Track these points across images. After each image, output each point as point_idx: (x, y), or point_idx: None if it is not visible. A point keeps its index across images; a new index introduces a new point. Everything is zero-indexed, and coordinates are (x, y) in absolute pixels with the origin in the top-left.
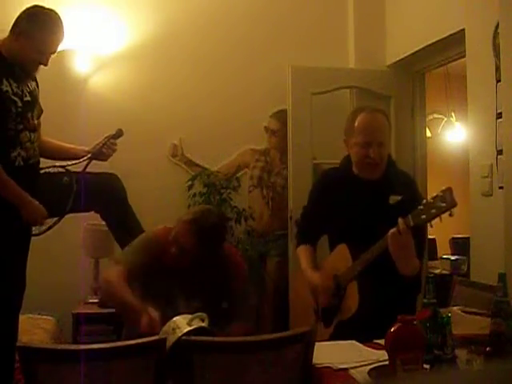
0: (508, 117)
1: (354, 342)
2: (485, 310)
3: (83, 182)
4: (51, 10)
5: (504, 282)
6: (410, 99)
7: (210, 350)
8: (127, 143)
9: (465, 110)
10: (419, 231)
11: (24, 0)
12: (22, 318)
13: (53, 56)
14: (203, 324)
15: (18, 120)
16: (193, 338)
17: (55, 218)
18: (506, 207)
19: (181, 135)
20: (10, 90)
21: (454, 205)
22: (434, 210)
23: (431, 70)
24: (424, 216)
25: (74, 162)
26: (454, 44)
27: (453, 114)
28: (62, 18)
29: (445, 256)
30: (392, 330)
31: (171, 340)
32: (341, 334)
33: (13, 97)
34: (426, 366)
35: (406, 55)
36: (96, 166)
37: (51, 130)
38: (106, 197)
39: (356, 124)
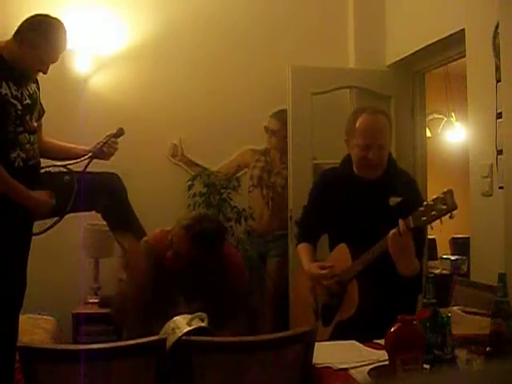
0: (508, 117)
1: (354, 342)
2: (485, 310)
3: (84, 181)
4: (55, 19)
5: (504, 282)
6: (410, 99)
7: (209, 350)
8: (127, 143)
9: (465, 110)
10: (419, 232)
11: (24, 3)
12: (22, 317)
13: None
14: (203, 324)
15: (17, 123)
16: (193, 338)
17: (56, 218)
18: (506, 207)
19: (181, 135)
20: (9, 93)
21: (455, 207)
22: (434, 212)
23: (431, 69)
24: (424, 218)
25: (74, 161)
26: (454, 44)
27: (453, 114)
28: (64, 22)
29: (445, 256)
30: (392, 330)
31: (171, 340)
32: (340, 333)
33: (12, 100)
34: (426, 366)
35: (406, 55)
36: (97, 166)
37: (51, 130)
38: (107, 196)
39: (357, 125)
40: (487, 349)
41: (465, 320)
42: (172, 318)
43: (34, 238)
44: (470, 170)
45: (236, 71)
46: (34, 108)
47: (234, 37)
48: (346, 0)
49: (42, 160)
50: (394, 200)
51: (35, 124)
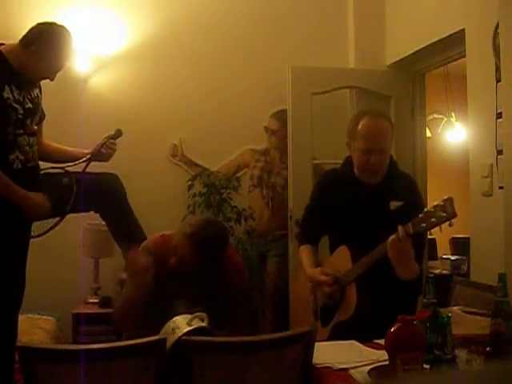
0: (508, 117)
1: (354, 342)
2: (485, 310)
3: (82, 181)
4: (62, 27)
5: (504, 282)
6: (410, 99)
7: (209, 350)
8: (127, 143)
9: (465, 110)
10: (419, 236)
11: (25, 3)
12: (21, 318)
13: None
14: (203, 324)
15: (17, 126)
16: (192, 338)
17: (56, 219)
18: (506, 207)
19: (181, 135)
20: (11, 96)
21: (454, 215)
22: (434, 219)
23: (431, 70)
24: (424, 224)
25: (72, 163)
26: (454, 44)
27: (453, 114)
28: (64, 23)
29: (445, 256)
30: (392, 330)
31: (171, 340)
32: (338, 334)
33: (14, 104)
34: (426, 366)
35: (406, 55)
36: (96, 166)
37: (51, 131)
38: (106, 196)
39: (359, 128)
40: (487, 349)
41: (465, 320)
42: (172, 318)
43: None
44: (470, 170)
45: (236, 71)
46: (36, 112)
47: (233, 37)
48: (345, 0)
49: (40, 163)
50: (394, 204)
51: (35, 127)
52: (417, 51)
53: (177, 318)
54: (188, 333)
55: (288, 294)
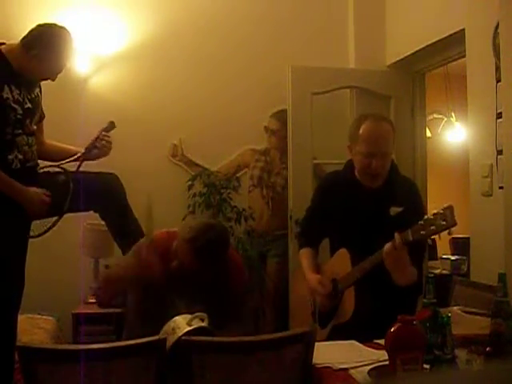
0: (508, 117)
1: (354, 342)
2: (485, 310)
3: (82, 181)
4: (63, 29)
5: (504, 282)
6: (410, 99)
7: (209, 349)
8: (127, 143)
9: (465, 110)
10: (419, 241)
11: (24, 4)
12: (21, 318)
13: None
14: (203, 324)
15: (16, 126)
16: (193, 337)
17: (54, 219)
18: (505, 207)
19: (181, 135)
20: (10, 96)
21: (454, 224)
22: (433, 227)
23: (431, 70)
24: (423, 232)
25: (67, 160)
26: (454, 44)
27: (453, 114)
28: (64, 23)
29: (445, 256)
30: (392, 330)
31: (171, 340)
32: (336, 337)
33: (13, 104)
34: (426, 366)
35: (405, 55)
36: (96, 166)
37: (51, 130)
38: (105, 196)
39: (360, 132)
40: (487, 349)
41: (465, 320)
42: (172, 318)
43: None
44: (470, 170)
45: (236, 71)
46: (35, 112)
47: (234, 37)
48: (345, 0)
49: (39, 161)
50: (394, 210)
51: (35, 127)
52: (417, 51)
53: (177, 317)
54: (188, 333)
55: (288, 294)
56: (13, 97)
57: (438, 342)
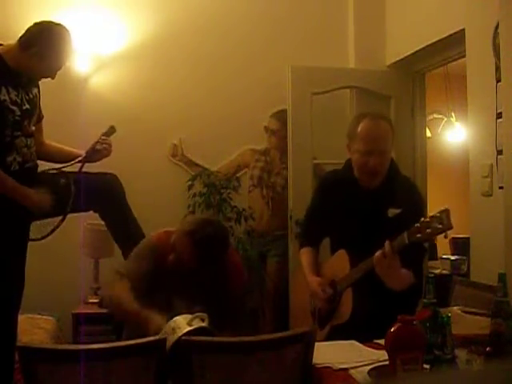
0: (508, 117)
1: (354, 342)
2: (485, 310)
3: (81, 181)
4: (61, 26)
5: (504, 282)
6: (409, 99)
7: (209, 350)
8: (127, 143)
9: (465, 110)
10: (419, 245)
11: (25, 4)
12: (21, 318)
13: None
14: (203, 324)
15: (15, 128)
16: (193, 338)
17: (56, 221)
18: (505, 207)
19: (181, 135)
20: (8, 98)
21: (450, 227)
22: (429, 230)
23: (431, 70)
24: (419, 235)
25: (67, 163)
26: (454, 44)
27: (453, 114)
28: (64, 23)
29: (445, 256)
30: (392, 330)
31: (171, 340)
32: (335, 338)
33: (11, 106)
34: (426, 366)
35: (405, 55)
36: (96, 166)
37: (51, 131)
38: (104, 196)
39: (359, 130)
40: (487, 349)
41: (465, 320)
42: (172, 318)
43: None
44: (470, 170)
45: (236, 71)
46: (33, 113)
47: (233, 37)
48: (345, 0)
49: (41, 163)
50: (392, 212)
51: (33, 128)
52: (417, 51)
53: (177, 317)
54: (188, 333)
55: (288, 294)
56: (10, 98)
57: (438, 342)
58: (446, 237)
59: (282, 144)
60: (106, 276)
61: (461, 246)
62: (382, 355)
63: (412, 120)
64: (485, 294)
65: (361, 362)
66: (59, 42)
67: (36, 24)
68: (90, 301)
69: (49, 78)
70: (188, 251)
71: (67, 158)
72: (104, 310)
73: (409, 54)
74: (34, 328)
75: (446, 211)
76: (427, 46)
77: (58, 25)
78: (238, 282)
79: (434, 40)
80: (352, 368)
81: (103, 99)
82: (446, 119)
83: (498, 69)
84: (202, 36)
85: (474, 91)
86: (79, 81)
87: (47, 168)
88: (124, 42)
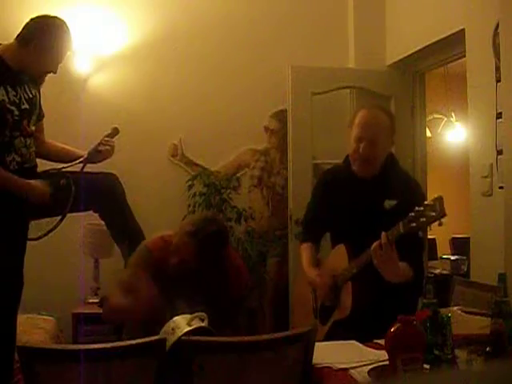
0: (508, 117)
1: (354, 342)
2: (485, 310)
3: (81, 181)
4: (59, 19)
5: (504, 282)
6: (409, 99)
7: (209, 350)
8: (127, 143)
9: (465, 110)
10: (416, 238)
11: (25, 4)
12: (21, 318)
13: None
14: (203, 324)
15: (14, 128)
16: (193, 338)
17: (55, 221)
18: (506, 207)
19: (181, 135)
20: (6, 98)
21: (444, 215)
22: (423, 219)
23: (431, 70)
24: (414, 224)
25: (69, 164)
26: (453, 44)
27: (453, 114)
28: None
29: (445, 256)
30: (392, 330)
31: (171, 340)
32: (336, 333)
33: (9, 106)
34: (426, 366)
35: (405, 55)
36: (96, 166)
37: (51, 131)
38: (104, 196)
39: (355, 120)
40: (487, 349)
41: (465, 320)
42: (172, 318)
43: None
44: (470, 170)
45: (236, 71)
46: (33, 112)
47: (234, 37)
48: (345, 0)
49: (41, 162)
50: (389, 203)
51: (33, 128)
52: (417, 51)
53: (177, 317)
54: (188, 333)
55: (288, 294)
56: (9, 98)
57: (438, 342)
58: (440, 224)
59: (281, 144)
60: (106, 276)
61: (461, 246)
62: (382, 355)
63: (412, 120)
64: (485, 293)
65: (361, 362)
66: (57, 33)
67: (32, 20)
68: (90, 301)
69: (49, 79)
70: (192, 252)
71: (68, 157)
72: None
73: (409, 53)
74: (34, 328)
75: (440, 199)
76: (427, 46)
77: (54, 17)
78: (239, 283)
79: (433, 40)
80: (352, 368)
81: (103, 99)
82: (445, 119)
83: (498, 69)
84: (202, 36)
85: (473, 91)
86: (79, 81)
87: (48, 168)
88: (124, 42)
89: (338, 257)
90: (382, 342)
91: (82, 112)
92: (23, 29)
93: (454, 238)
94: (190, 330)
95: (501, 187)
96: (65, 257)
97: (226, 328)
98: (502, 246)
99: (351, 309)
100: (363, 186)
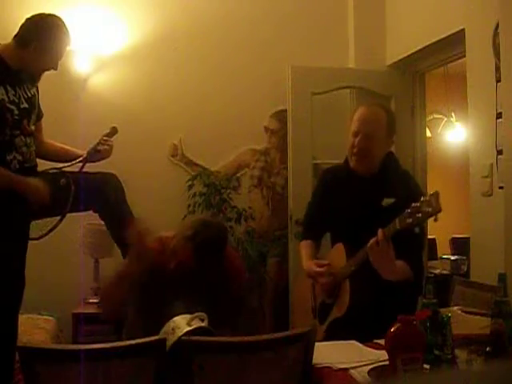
0: (508, 117)
1: (354, 342)
2: (485, 309)
3: (81, 181)
4: (56, 16)
5: (504, 282)
6: (410, 99)
7: (209, 350)
8: (127, 143)
9: (465, 110)
10: (415, 236)
11: (25, 4)
12: (21, 318)
13: None
14: (203, 324)
15: (14, 127)
16: (193, 338)
17: (55, 220)
18: (506, 207)
19: (181, 135)
20: (6, 97)
21: (439, 210)
22: (419, 215)
23: (431, 70)
24: (410, 220)
25: (68, 163)
26: (454, 44)
27: (453, 114)
28: (63, 18)
29: (445, 256)
30: (392, 330)
31: (171, 340)
32: (333, 331)
33: (9, 105)
34: (426, 366)
35: (405, 55)
36: (95, 166)
37: (51, 131)
38: (104, 196)
39: (354, 116)
40: (487, 349)
41: (465, 320)
42: (172, 318)
43: None
44: (470, 170)
45: (236, 71)
46: (32, 111)
47: (233, 37)
48: (345, 0)
49: (41, 162)
50: (387, 201)
51: (33, 127)
52: (417, 51)
53: (177, 318)
54: (188, 333)
55: (288, 294)
56: (8, 97)
57: (438, 342)
58: (435, 220)
59: (281, 144)
60: (105, 276)
61: (461, 246)
62: (382, 355)
63: (412, 120)
64: (485, 293)
65: (361, 362)
66: (56, 31)
67: (28, 19)
68: (90, 301)
69: (49, 79)
70: (190, 256)
71: (67, 157)
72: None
73: (409, 54)
74: (34, 328)
75: (435, 194)
76: (427, 45)
77: (51, 15)
78: (238, 282)
79: (433, 40)
80: (352, 368)
81: (103, 99)
82: (446, 119)
83: (498, 69)
84: (202, 36)
85: (474, 91)
86: (79, 81)
87: (47, 168)
88: (124, 41)
89: (336, 255)
90: (382, 342)
91: (82, 112)
92: (21, 29)
93: (453, 238)
94: (190, 330)
95: (501, 187)
96: (65, 257)
97: (225, 328)
98: (502, 246)
99: (349, 306)
100: (362, 185)
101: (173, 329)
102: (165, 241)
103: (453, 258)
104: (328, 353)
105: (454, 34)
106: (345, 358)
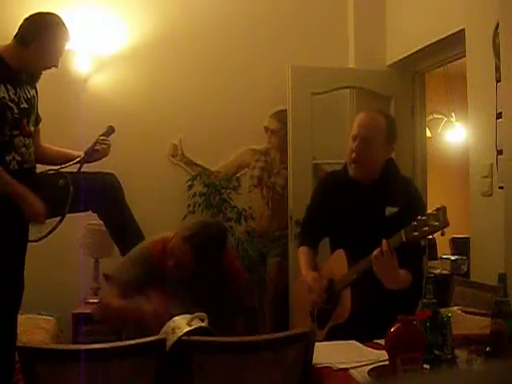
0: (508, 117)
1: (354, 342)
2: (485, 309)
3: (80, 181)
4: (55, 15)
5: (504, 282)
6: (410, 99)
7: (209, 350)
8: (127, 143)
9: (465, 110)
10: (415, 244)
11: (25, 4)
12: (21, 318)
13: None
14: (203, 324)
15: (13, 126)
16: (193, 338)
17: (54, 221)
18: (506, 207)
19: (181, 135)
20: (6, 96)
21: (447, 225)
22: (426, 228)
23: (431, 70)
24: (416, 233)
25: (66, 164)
26: (453, 44)
27: (453, 114)
28: (62, 18)
29: (445, 256)
30: (392, 330)
31: (171, 340)
32: (333, 338)
33: (9, 103)
34: (426, 366)
35: (405, 55)
36: (95, 166)
37: (51, 131)
38: (103, 196)
39: (354, 122)
40: (487, 349)
41: (465, 320)
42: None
43: None
44: (470, 170)
45: (236, 71)
46: (31, 112)
47: (234, 37)
48: (345, 0)
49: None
50: (389, 210)
51: (32, 128)
52: (417, 51)
53: (177, 318)
54: (188, 333)
55: (288, 294)
56: (9, 96)
57: (438, 342)
58: (442, 234)
59: (281, 144)
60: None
61: (461, 246)
62: (382, 355)
63: (412, 120)
64: (485, 293)
65: (361, 362)
66: (56, 29)
67: (27, 19)
68: (90, 301)
69: (49, 79)
70: (187, 256)
71: (64, 159)
72: None
73: (409, 54)
74: (34, 328)
75: (443, 208)
76: (427, 45)
77: (49, 13)
78: (238, 282)
79: (433, 40)
80: (352, 368)
81: (103, 99)
82: (446, 119)
83: (498, 69)
84: (202, 36)
85: (474, 91)
86: (79, 81)
87: (46, 169)
88: (124, 42)
89: (337, 262)
90: (382, 342)
91: (82, 112)
92: (20, 29)
93: (453, 238)
94: (190, 330)
95: (501, 187)
96: (65, 257)
97: (225, 328)
98: (501, 246)
99: (349, 314)
100: (363, 191)
101: (173, 329)
102: (166, 241)
103: (453, 258)
104: (328, 353)
105: (453, 33)
106: (345, 358)
